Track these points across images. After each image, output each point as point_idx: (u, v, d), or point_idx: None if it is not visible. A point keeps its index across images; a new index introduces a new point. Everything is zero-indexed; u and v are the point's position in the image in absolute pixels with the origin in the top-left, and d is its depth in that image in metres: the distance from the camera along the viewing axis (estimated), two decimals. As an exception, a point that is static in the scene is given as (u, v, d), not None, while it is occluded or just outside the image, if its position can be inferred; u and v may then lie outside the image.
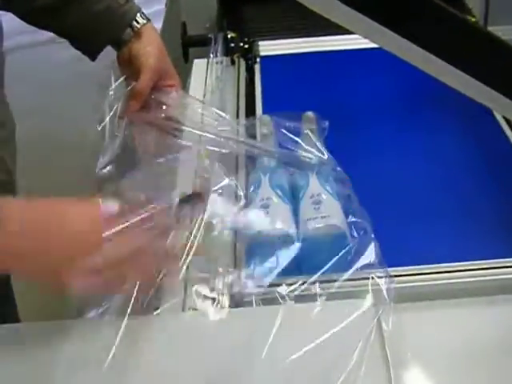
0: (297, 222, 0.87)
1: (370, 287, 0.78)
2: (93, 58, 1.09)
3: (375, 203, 0.93)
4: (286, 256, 0.81)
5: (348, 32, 0.70)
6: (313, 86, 1.31)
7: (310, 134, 0.99)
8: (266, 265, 0.81)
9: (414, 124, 1.17)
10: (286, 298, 0.78)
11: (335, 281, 0.79)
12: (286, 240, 0.83)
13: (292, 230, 0.85)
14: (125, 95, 1.03)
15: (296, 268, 0.82)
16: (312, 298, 0.79)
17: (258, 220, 0.86)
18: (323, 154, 0.95)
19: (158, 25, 1.94)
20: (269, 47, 1.46)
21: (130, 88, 1.03)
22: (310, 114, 1.03)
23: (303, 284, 0.79)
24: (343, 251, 0.81)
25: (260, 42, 1.46)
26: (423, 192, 1.02)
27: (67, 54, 1.20)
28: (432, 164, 1.08)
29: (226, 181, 0.94)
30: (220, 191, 0.96)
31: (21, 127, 1.13)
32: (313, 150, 0.96)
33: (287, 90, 1.29)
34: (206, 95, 1.27)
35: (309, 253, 0.83)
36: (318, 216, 0.85)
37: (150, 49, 1.04)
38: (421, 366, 0.74)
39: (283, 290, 0.80)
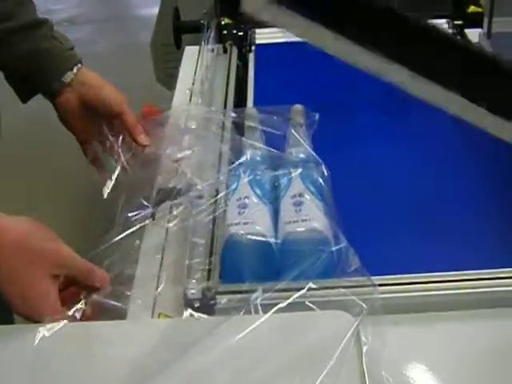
0: (276, 224, 0.82)
1: (349, 297, 0.73)
2: (24, 99, 1.03)
3: (362, 204, 0.88)
4: (261, 264, 0.77)
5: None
6: (308, 76, 1.25)
7: (296, 129, 0.93)
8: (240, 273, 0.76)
9: (411, 118, 1.11)
10: (259, 306, 0.73)
11: (313, 289, 0.74)
12: (262, 245, 0.78)
13: (270, 234, 0.79)
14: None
15: (274, 276, 0.76)
16: (287, 307, 0.73)
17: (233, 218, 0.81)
18: (309, 152, 0.89)
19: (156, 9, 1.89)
20: (265, 35, 1.40)
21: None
22: (298, 106, 0.98)
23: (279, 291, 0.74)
24: (324, 257, 0.75)
25: (257, 30, 1.40)
26: (413, 195, 0.95)
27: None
28: (426, 163, 1.02)
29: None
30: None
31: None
32: (299, 147, 0.91)
33: (281, 80, 1.23)
34: (195, 84, 1.22)
35: (287, 259, 0.77)
36: (299, 219, 0.79)
37: (110, 88, 1.01)
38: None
39: (257, 297, 0.74)
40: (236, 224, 0.80)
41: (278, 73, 1.26)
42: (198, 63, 1.28)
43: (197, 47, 1.32)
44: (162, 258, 0.87)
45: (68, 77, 0.99)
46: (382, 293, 0.75)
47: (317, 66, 1.28)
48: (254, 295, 0.74)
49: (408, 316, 0.75)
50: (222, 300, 0.77)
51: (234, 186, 0.86)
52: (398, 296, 0.76)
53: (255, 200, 0.82)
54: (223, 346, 0.68)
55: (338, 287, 0.73)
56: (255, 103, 1.15)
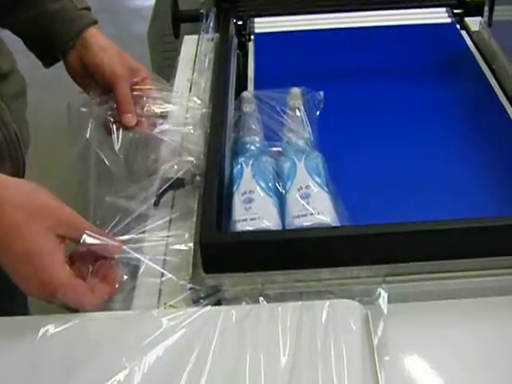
0: (283, 217, 0.80)
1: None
2: (46, 63, 1.03)
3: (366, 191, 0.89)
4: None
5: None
6: (308, 66, 1.24)
7: (294, 113, 0.92)
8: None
9: (412, 104, 1.10)
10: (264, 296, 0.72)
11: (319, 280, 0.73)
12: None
13: (278, 225, 0.78)
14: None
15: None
16: (296, 296, 0.73)
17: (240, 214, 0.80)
18: (309, 135, 0.88)
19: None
20: (264, 24, 1.39)
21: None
22: (296, 90, 0.97)
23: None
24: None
25: (256, 19, 1.39)
26: (419, 184, 0.95)
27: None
28: (431, 152, 1.02)
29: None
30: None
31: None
32: (298, 130, 0.90)
33: (281, 69, 1.22)
34: (194, 74, 1.21)
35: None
36: (307, 213, 0.78)
37: (110, 55, 0.98)
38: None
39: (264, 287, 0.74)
40: (243, 220, 0.78)
41: (277, 62, 1.25)
42: (197, 52, 1.27)
43: (195, 36, 1.31)
44: (167, 247, 0.87)
45: (71, 41, 0.99)
46: (390, 282, 0.75)
47: (316, 54, 1.28)
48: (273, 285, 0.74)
49: (413, 304, 0.75)
50: (228, 290, 0.76)
51: (238, 181, 0.84)
52: (404, 285, 0.76)
53: (261, 194, 0.81)
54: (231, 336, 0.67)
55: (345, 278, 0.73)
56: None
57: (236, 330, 0.68)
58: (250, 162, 0.85)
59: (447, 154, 0.97)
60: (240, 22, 1.35)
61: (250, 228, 0.77)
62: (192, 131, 1.02)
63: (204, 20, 1.31)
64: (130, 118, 0.97)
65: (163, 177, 0.93)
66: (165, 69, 1.72)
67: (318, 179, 0.83)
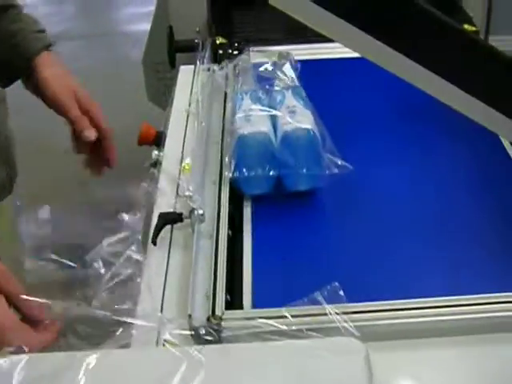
0: (275, 129, 0.98)
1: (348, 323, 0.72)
2: (3, 84, 1.04)
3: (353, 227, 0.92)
4: (266, 156, 0.95)
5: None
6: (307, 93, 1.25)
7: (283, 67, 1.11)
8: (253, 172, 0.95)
9: (409, 136, 1.11)
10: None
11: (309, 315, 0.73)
12: (266, 140, 0.96)
13: (271, 133, 0.97)
14: None
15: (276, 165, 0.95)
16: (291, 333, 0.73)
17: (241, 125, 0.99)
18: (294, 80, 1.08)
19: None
20: (260, 53, 1.39)
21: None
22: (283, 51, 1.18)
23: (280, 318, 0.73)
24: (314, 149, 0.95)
25: (252, 48, 1.39)
26: (411, 215, 0.96)
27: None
28: (425, 184, 1.02)
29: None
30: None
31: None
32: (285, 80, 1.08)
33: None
34: (192, 104, 1.21)
35: (286, 151, 0.95)
36: (294, 122, 0.97)
37: (57, 84, 1.01)
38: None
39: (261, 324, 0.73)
40: (243, 127, 0.98)
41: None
42: (193, 83, 1.27)
43: (192, 66, 1.32)
44: (165, 283, 0.86)
45: (24, 65, 1.01)
46: (379, 319, 0.75)
47: (312, 85, 1.28)
48: (259, 322, 0.74)
49: (403, 342, 0.75)
50: (228, 327, 0.76)
51: (238, 105, 1.04)
52: (395, 322, 0.75)
53: (258, 112, 1.00)
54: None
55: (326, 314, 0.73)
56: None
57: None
58: (248, 94, 1.05)
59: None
60: (236, 52, 1.35)
61: (250, 130, 0.97)
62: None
63: (200, 50, 1.32)
64: (88, 133, 0.99)
65: (160, 212, 0.93)
66: (161, 96, 1.72)
67: (302, 102, 1.02)
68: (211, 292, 0.81)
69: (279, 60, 1.16)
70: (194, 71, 1.30)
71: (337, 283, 0.75)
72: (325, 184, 0.97)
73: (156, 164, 1.22)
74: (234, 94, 1.10)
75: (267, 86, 1.09)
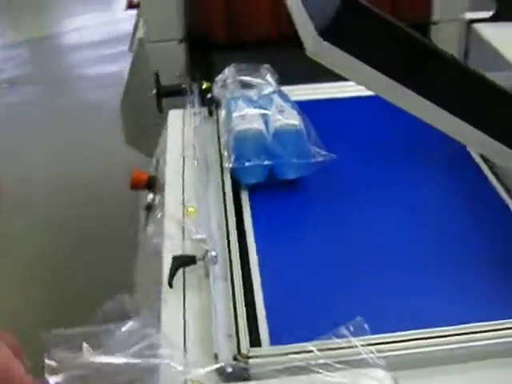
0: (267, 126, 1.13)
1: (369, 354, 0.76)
2: None
3: (358, 259, 0.97)
4: (259, 148, 1.10)
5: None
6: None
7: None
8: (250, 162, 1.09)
9: (403, 174, 1.15)
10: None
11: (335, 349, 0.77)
12: (259, 135, 1.11)
13: (264, 129, 1.12)
14: None
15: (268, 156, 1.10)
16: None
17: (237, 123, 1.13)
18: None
19: (121, 66, 1.91)
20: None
21: None
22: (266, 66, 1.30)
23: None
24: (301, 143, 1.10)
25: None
26: (410, 247, 1.01)
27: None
28: (420, 217, 1.07)
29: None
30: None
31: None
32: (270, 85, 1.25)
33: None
34: (186, 148, 1.23)
35: (277, 145, 1.11)
36: (283, 119, 1.13)
37: None
38: None
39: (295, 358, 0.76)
40: (239, 125, 1.12)
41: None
42: (184, 127, 1.30)
43: (180, 111, 1.35)
44: (185, 326, 0.88)
45: None
46: (404, 349, 0.79)
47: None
48: (288, 357, 0.77)
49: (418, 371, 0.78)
50: (255, 365, 0.78)
51: (233, 108, 1.17)
52: (411, 352, 0.79)
53: (251, 111, 1.15)
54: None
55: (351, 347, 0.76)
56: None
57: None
58: (241, 98, 1.20)
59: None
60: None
61: (245, 127, 1.11)
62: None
63: (189, 94, 1.35)
64: None
65: (174, 255, 0.95)
66: (141, 141, 1.75)
67: (289, 104, 1.17)
68: (234, 331, 0.83)
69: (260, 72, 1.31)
70: (183, 115, 1.33)
71: (359, 317, 0.78)
72: (312, 172, 1.11)
73: (150, 207, 1.25)
74: (227, 100, 1.23)
75: (256, 91, 1.25)
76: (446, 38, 1.60)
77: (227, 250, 0.96)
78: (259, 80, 1.27)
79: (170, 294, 0.92)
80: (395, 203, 1.09)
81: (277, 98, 1.20)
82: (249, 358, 0.79)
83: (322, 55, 0.61)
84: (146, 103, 1.70)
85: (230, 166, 1.10)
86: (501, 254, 0.98)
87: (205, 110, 1.32)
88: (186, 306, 0.91)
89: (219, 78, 1.30)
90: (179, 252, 0.99)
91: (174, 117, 1.34)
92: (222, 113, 1.23)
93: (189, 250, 0.99)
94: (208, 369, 0.80)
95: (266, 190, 1.11)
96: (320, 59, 0.62)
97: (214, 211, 1.06)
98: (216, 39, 1.59)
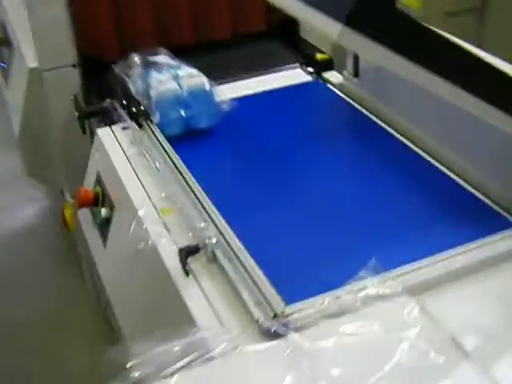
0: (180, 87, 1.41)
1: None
2: None
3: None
4: (179, 104, 1.37)
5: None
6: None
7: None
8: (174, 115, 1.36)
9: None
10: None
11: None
12: (177, 93, 1.38)
13: (178, 88, 1.39)
14: None
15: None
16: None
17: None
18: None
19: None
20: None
21: None
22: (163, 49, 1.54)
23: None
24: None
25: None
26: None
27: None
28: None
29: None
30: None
31: None
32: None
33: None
34: (131, 159, 1.31)
35: (192, 100, 1.38)
36: (194, 80, 1.41)
37: None
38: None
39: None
40: (158, 87, 1.39)
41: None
42: (119, 141, 1.37)
43: (107, 128, 1.41)
44: (211, 305, 0.97)
45: None
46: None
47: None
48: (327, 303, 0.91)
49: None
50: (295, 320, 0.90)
51: (149, 79, 1.41)
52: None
53: (166, 76, 1.42)
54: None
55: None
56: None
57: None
58: (154, 71, 1.44)
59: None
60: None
61: (164, 88, 1.39)
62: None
63: (114, 111, 1.42)
64: None
65: (180, 247, 1.03)
66: (43, 171, 1.77)
67: (195, 70, 1.44)
68: (262, 298, 0.94)
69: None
70: (113, 132, 1.40)
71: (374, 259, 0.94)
72: (220, 119, 1.38)
73: (108, 221, 1.30)
74: (142, 73, 1.45)
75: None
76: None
77: (220, 235, 1.06)
78: (161, 59, 1.50)
79: (186, 284, 1.01)
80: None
81: (184, 67, 1.46)
82: (287, 315, 0.91)
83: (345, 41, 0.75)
84: (46, 132, 1.73)
85: (156, 121, 1.35)
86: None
87: (132, 124, 1.40)
88: (203, 289, 1.00)
89: (121, 63, 1.50)
90: (173, 247, 1.07)
91: (105, 134, 1.40)
92: (137, 84, 1.44)
93: (182, 242, 1.07)
94: (251, 332, 0.91)
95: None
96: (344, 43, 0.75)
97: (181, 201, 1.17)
98: (109, 57, 1.65)
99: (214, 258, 1.04)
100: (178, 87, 1.39)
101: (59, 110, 1.69)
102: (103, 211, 1.31)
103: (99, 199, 1.35)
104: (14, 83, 1.85)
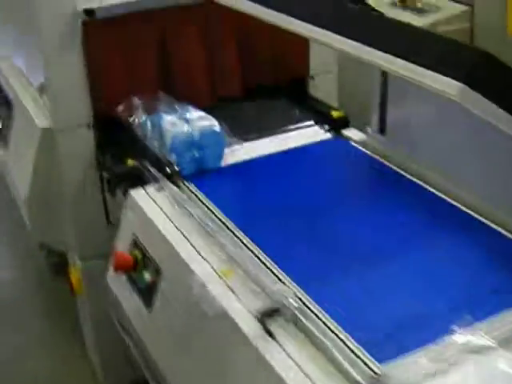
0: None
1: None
2: None
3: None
4: (193, 146, 1.46)
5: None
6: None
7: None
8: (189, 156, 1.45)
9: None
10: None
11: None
12: (191, 136, 1.46)
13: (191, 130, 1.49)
14: None
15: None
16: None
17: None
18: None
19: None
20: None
21: None
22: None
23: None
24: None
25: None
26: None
27: None
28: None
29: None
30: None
31: None
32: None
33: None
34: (174, 219, 1.28)
35: (204, 142, 1.48)
36: (205, 123, 1.50)
37: None
38: None
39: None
40: (172, 130, 1.48)
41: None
42: (155, 201, 1.34)
43: (141, 189, 1.39)
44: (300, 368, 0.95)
45: None
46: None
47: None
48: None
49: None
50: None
51: (161, 122, 1.50)
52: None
53: (175, 120, 1.51)
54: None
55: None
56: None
57: None
58: (164, 114, 1.53)
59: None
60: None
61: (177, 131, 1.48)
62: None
63: (147, 173, 1.40)
64: None
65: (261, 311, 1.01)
66: (51, 231, 1.71)
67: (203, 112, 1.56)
68: (354, 357, 0.94)
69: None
70: (147, 192, 1.38)
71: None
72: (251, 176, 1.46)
73: (153, 285, 1.26)
74: (150, 119, 1.54)
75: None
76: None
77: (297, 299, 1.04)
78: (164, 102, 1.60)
79: (268, 346, 0.99)
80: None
81: (192, 109, 1.55)
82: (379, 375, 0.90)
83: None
84: (56, 193, 1.68)
85: (173, 160, 1.43)
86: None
87: (167, 184, 1.38)
88: (287, 351, 0.98)
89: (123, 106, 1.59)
90: (244, 310, 1.05)
91: (139, 195, 1.37)
92: (147, 127, 1.53)
93: (253, 305, 1.05)
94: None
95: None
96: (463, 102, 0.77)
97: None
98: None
99: (293, 320, 1.02)
100: (190, 129, 1.47)
101: (72, 170, 1.65)
102: (146, 275, 1.27)
103: (138, 263, 1.31)
104: (19, 144, 1.80)
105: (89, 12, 1.55)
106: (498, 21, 2.21)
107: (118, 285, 1.38)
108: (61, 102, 1.60)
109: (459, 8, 2.26)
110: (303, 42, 1.81)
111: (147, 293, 1.28)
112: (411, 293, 1.08)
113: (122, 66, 1.65)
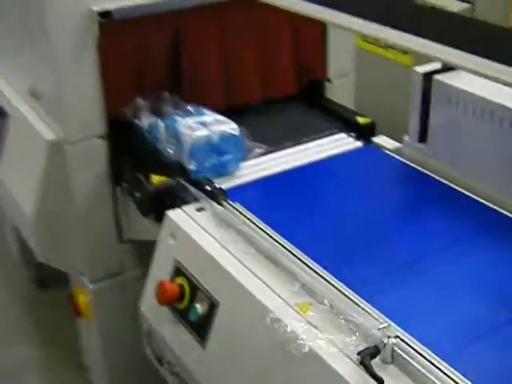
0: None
1: None
2: None
3: None
4: (212, 150, 1.39)
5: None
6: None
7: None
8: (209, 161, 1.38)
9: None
10: None
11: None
12: (210, 141, 1.39)
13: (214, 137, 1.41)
14: None
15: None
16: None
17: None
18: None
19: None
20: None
21: None
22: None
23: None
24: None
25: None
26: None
27: None
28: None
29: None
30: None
31: None
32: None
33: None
34: (225, 243, 1.17)
35: (224, 146, 1.40)
36: (224, 126, 1.42)
37: None
38: None
39: None
40: (190, 134, 1.39)
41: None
42: (196, 222, 1.23)
43: (178, 210, 1.27)
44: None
45: None
46: None
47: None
48: None
49: None
50: None
51: (174, 122, 1.42)
52: None
53: (194, 123, 1.43)
54: None
55: None
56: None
57: None
58: (179, 117, 1.44)
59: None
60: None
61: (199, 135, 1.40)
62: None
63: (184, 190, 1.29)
64: None
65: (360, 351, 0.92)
66: (58, 253, 1.57)
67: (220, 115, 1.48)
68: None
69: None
70: (185, 212, 1.26)
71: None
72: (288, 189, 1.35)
73: (208, 318, 1.15)
74: (164, 122, 1.45)
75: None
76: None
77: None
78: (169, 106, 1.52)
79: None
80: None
81: (208, 112, 1.47)
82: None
83: None
84: (66, 211, 1.54)
85: (192, 168, 1.35)
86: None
87: (210, 203, 1.26)
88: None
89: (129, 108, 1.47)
90: (333, 349, 0.96)
91: (179, 217, 1.25)
92: (160, 130, 1.43)
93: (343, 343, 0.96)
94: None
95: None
96: None
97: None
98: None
99: (392, 359, 0.93)
100: (209, 133, 1.39)
101: (83, 186, 1.52)
102: (199, 307, 1.15)
103: (185, 292, 1.19)
104: (16, 157, 1.64)
105: (104, 14, 1.41)
106: (499, 18, 2.17)
107: (158, 315, 1.26)
108: (73, 112, 1.46)
109: (460, 6, 2.20)
110: (320, 43, 1.73)
111: (200, 327, 1.16)
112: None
113: (133, 70, 1.52)
